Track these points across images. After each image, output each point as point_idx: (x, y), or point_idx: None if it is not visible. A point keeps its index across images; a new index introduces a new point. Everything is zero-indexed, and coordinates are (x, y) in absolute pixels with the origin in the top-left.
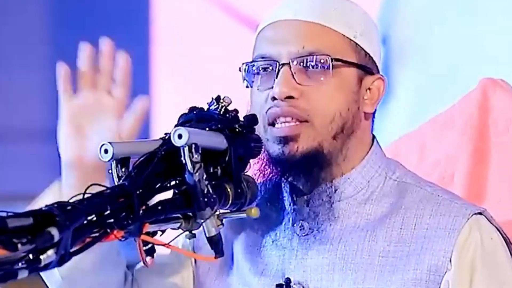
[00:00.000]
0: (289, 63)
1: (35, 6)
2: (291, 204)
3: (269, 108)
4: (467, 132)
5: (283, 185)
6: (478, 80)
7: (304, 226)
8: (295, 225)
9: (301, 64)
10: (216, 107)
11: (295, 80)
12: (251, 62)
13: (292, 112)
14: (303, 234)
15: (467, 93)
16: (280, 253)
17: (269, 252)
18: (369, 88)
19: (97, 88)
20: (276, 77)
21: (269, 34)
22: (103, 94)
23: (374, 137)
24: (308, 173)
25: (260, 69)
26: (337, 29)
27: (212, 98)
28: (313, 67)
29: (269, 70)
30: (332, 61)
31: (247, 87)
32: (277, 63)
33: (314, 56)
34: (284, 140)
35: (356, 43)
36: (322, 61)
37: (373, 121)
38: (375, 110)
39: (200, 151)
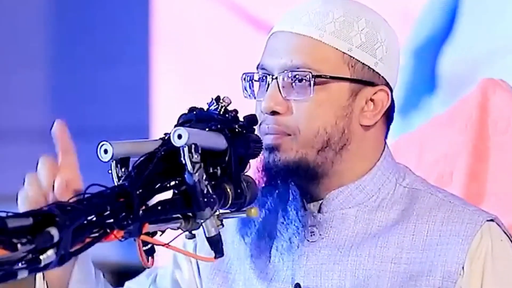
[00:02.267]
0: (277, 77)
1: (35, 6)
2: (301, 209)
3: (262, 122)
4: (467, 132)
5: (294, 191)
6: (478, 80)
7: (314, 231)
8: (305, 230)
9: (288, 78)
10: (216, 107)
11: (281, 94)
12: (251, 73)
13: (276, 129)
14: (313, 240)
15: (467, 93)
16: (290, 259)
17: (278, 258)
18: (371, 100)
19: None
20: (266, 90)
21: (269, 44)
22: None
23: (385, 143)
24: (288, 183)
25: (259, 79)
26: (329, 43)
27: (212, 98)
28: (299, 81)
29: (264, 81)
30: (314, 77)
31: (245, 97)
32: (268, 76)
33: (299, 71)
34: (270, 149)
35: (351, 56)
36: (305, 76)
37: (388, 128)
38: (391, 118)
39: (199, 151)
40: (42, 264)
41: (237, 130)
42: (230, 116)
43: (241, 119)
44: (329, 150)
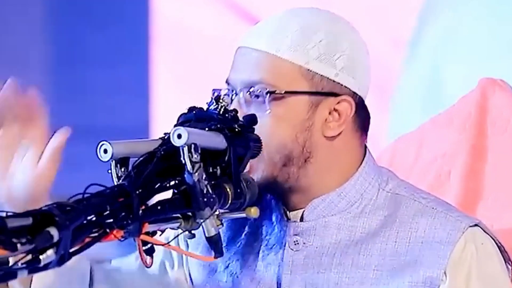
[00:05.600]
0: (238, 93)
1: (34, 5)
2: (285, 219)
3: None
4: (465, 131)
5: (275, 201)
6: (478, 80)
7: (298, 240)
8: (289, 239)
9: (247, 94)
10: (215, 107)
11: (243, 110)
12: (218, 89)
13: None
14: (297, 249)
15: (466, 93)
16: (275, 268)
17: (264, 268)
18: (335, 110)
19: (15, 122)
20: None
21: (234, 59)
22: (24, 128)
23: (365, 147)
24: (262, 201)
25: (225, 93)
26: (286, 57)
27: (212, 98)
28: (256, 97)
29: (229, 96)
30: (268, 93)
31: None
32: (232, 92)
33: (256, 87)
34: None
35: (309, 69)
36: (261, 92)
37: (364, 134)
38: (365, 127)
39: (199, 151)
40: (42, 264)
41: (236, 129)
42: (230, 115)
43: (240, 118)
44: (291, 165)
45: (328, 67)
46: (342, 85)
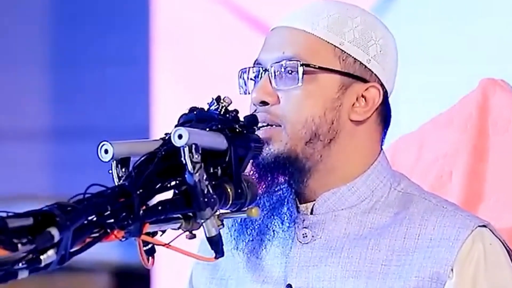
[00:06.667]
0: (269, 69)
1: (35, 6)
2: (295, 211)
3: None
4: (467, 131)
5: (287, 192)
6: (478, 80)
7: (306, 233)
8: (298, 232)
9: (279, 68)
10: (216, 107)
11: (271, 84)
12: (246, 68)
13: (265, 117)
14: (306, 242)
15: (467, 93)
16: (282, 261)
17: (271, 260)
18: (363, 96)
19: None
20: None
21: (266, 40)
22: None
23: (381, 149)
24: (277, 177)
25: (253, 75)
26: (322, 36)
27: (212, 99)
28: (289, 72)
29: (258, 76)
30: (302, 66)
31: (241, 93)
32: (262, 69)
33: (287, 61)
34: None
35: (343, 50)
36: (294, 66)
37: (384, 133)
38: (387, 123)
39: (200, 151)
40: (43, 264)
41: (237, 130)
42: (231, 116)
43: (241, 119)
44: (317, 141)
45: (361, 52)
46: (372, 72)
